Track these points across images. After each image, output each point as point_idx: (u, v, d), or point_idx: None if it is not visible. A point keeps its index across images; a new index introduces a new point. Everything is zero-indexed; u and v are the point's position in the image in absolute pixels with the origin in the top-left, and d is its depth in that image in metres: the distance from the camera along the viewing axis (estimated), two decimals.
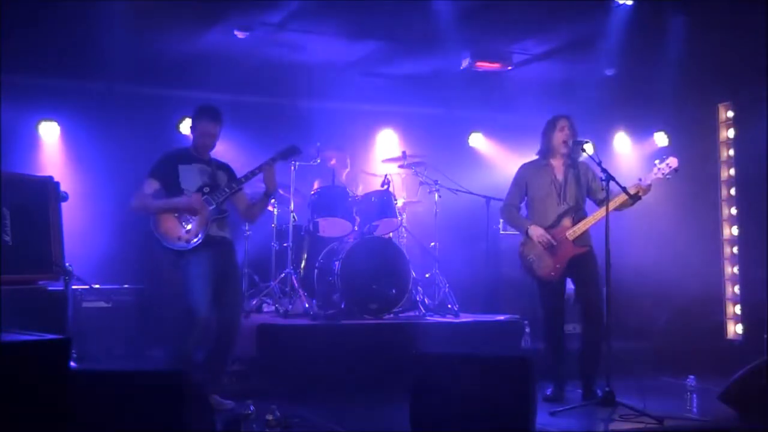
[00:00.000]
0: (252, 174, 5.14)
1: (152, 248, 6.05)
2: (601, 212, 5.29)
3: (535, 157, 5.70)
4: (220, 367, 5.11)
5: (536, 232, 5.46)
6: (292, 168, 6.85)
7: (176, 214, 4.97)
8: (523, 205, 5.72)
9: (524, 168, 5.71)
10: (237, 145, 7.09)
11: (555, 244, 5.42)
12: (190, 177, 5.08)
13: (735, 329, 7.55)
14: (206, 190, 5.06)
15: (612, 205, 5.22)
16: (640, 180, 5.30)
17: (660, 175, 5.29)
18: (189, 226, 4.98)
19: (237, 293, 5.30)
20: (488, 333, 6.44)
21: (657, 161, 5.34)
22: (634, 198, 5.24)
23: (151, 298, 6.83)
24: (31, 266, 5.01)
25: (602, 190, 5.30)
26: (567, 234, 5.43)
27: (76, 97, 7.56)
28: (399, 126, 8.81)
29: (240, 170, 5.29)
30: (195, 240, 4.96)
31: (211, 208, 5.02)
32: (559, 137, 5.52)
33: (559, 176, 5.57)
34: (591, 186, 5.58)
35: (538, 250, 5.48)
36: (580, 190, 5.56)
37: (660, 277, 7.59)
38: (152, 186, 5.06)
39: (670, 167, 5.27)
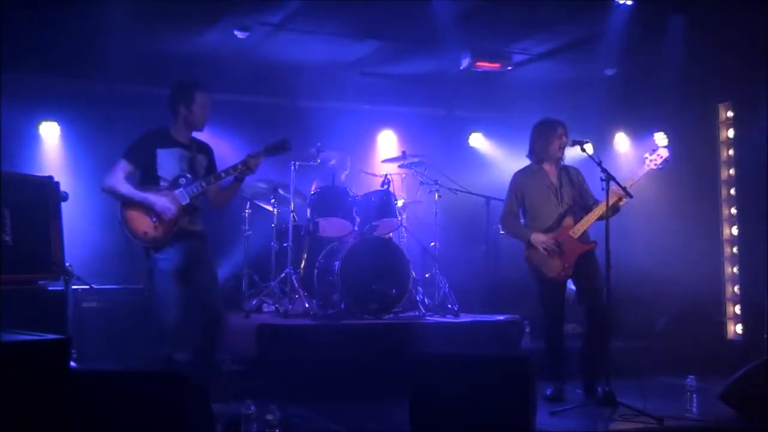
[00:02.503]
0: (233, 169, 4.88)
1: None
2: (600, 208, 5.30)
3: (526, 162, 5.71)
4: (210, 363, 5.01)
5: (539, 239, 5.46)
6: (292, 168, 6.85)
7: (148, 209, 4.75)
8: (520, 210, 5.73)
9: (518, 175, 5.72)
10: (236, 145, 7.09)
11: (559, 246, 5.42)
12: (169, 163, 4.85)
13: (735, 329, 7.55)
14: (182, 181, 4.82)
15: (602, 209, 5.22)
16: (633, 175, 5.33)
17: (652, 167, 5.32)
18: (158, 222, 4.76)
19: (213, 287, 4.99)
20: (488, 333, 6.44)
21: (647, 153, 5.37)
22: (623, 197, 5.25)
23: (150, 298, 6.82)
24: (31, 266, 5.01)
25: (590, 193, 5.40)
26: (571, 232, 5.44)
27: (77, 98, 7.55)
28: (399, 126, 8.81)
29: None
30: (165, 238, 4.76)
31: (184, 203, 4.80)
32: (557, 144, 5.53)
33: (554, 179, 5.60)
34: (582, 188, 5.60)
35: (544, 253, 5.48)
36: (574, 191, 5.59)
37: (660, 277, 7.58)
38: (125, 168, 4.82)
39: (661, 157, 5.31)
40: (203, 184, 4.86)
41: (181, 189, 4.81)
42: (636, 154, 8.56)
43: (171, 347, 4.78)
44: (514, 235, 5.78)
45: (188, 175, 4.87)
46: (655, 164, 5.32)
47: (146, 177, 4.88)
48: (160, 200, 4.75)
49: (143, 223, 4.77)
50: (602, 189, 5.23)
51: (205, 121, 5.00)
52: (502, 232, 7.62)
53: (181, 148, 4.93)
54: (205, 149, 5.07)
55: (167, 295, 4.77)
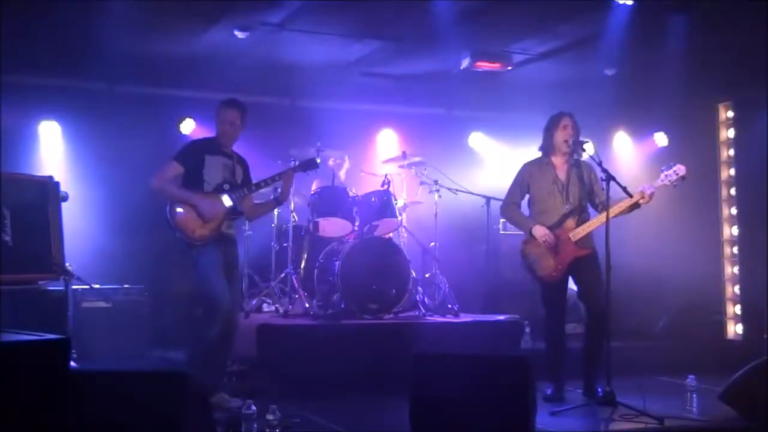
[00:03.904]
0: (272, 180, 5.23)
1: (154, 246, 6.06)
2: (603, 216, 5.27)
3: (537, 154, 5.69)
4: (221, 364, 5.11)
5: (540, 232, 5.43)
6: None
7: (195, 207, 4.99)
8: (524, 203, 5.70)
9: (526, 166, 5.68)
10: (236, 145, 7.08)
11: (558, 244, 5.41)
12: (214, 170, 5.12)
13: (735, 329, 7.55)
14: (226, 187, 5.10)
15: (613, 211, 5.21)
16: (644, 188, 5.26)
17: (667, 182, 5.27)
18: (207, 222, 4.99)
19: (237, 290, 5.32)
20: (488, 333, 6.44)
21: (664, 168, 5.32)
22: (633, 206, 5.23)
23: (152, 297, 6.83)
24: (31, 266, 5.01)
25: (603, 192, 5.28)
26: (570, 235, 5.42)
27: (77, 97, 7.55)
28: (399, 126, 8.81)
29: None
30: (210, 236, 4.99)
31: (229, 206, 5.06)
32: (561, 135, 5.49)
33: (562, 175, 5.55)
34: (593, 188, 5.56)
35: (540, 250, 5.45)
36: (583, 191, 5.53)
37: (660, 277, 7.58)
38: (175, 169, 5.07)
39: (678, 174, 5.24)
40: (246, 190, 5.15)
41: (227, 193, 5.07)
42: (636, 154, 8.59)
43: (216, 336, 4.90)
44: (514, 224, 5.75)
45: (231, 181, 5.14)
46: (670, 181, 5.26)
47: (191, 180, 5.09)
48: (203, 202, 5.00)
49: (192, 222, 4.98)
50: (602, 189, 5.21)
51: (224, 135, 5.23)
52: (502, 231, 7.69)
53: (225, 157, 5.20)
54: (242, 162, 5.34)
55: (216, 277, 4.96)
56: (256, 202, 5.46)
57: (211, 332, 4.92)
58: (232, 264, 5.16)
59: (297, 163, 5.53)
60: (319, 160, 6.93)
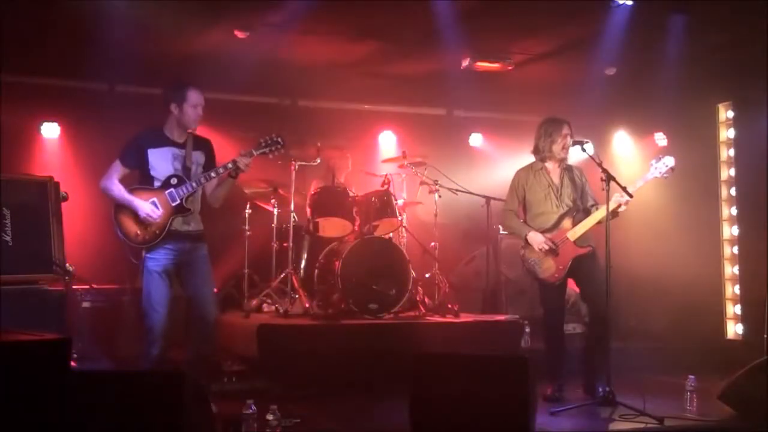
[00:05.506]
0: (223, 168, 4.84)
1: None
2: (600, 213, 5.30)
3: (530, 159, 5.70)
4: (205, 364, 5.02)
5: (535, 239, 5.46)
6: (293, 168, 6.85)
7: (136, 211, 4.77)
8: (521, 208, 5.72)
9: (520, 173, 5.71)
10: (236, 145, 7.08)
11: (556, 248, 5.42)
12: (160, 163, 4.83)
13: (735, 329, 7.55)
14: (173, 181, 4.80)
15: (602, 214, 5.22)
16: (637, 181, 5.30)
17: (657, 174, 5.31)
18: (149, 225, 4.77)
19: (205, 288, 4.98)
20: (488, 333, 6.44)
21: (653, 161, 5.35)
22: (614, 211, 5.23)
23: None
24: (31, 266, 5.01)
25: (599, 192, 5.30)
26: (568, 235, 5.43)
27: (78, 98, 7.55)
28: (399, 126, 8.81)
29: None
30: (153, 238, 4.78)
31: (174, 204, 4.80)
32: (561, 144, 5.51)
33: (555, 178, 5.59)
34: (584, 190, 5.60)
35: (539, 253, 5.48)
36: (576, 192, 5.57)
37: (660, 277, 7.59)
38: (119, 170, 4.84)
39: (667, 166, 5.29)
40: (193, 184, 4.84)
41: (172, 190, 4.81)
42: (636, 154, 8.59)
43: (159, 346, 4.81)
44: (511, 232, 5.79)
45: (180, 175, 4.85)
46: (660, 173, 5.30)
47: (142, 177, 4.88)
48: (143, 206, 4.77)
49: (134, 225, 4.81)
50: (603, 189, 5.22)
51: (197, 121, 4.95)
52: (502, 231, 7.69)
53: (173, 147, 4.91)
54: (203, 145, 5.02)
55: (154, 294, 4.82)
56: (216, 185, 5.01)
57: (152, 351, 4.79)
58: (193, 264, 4.89)
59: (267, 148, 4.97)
60: (318, 161, 6.99)
